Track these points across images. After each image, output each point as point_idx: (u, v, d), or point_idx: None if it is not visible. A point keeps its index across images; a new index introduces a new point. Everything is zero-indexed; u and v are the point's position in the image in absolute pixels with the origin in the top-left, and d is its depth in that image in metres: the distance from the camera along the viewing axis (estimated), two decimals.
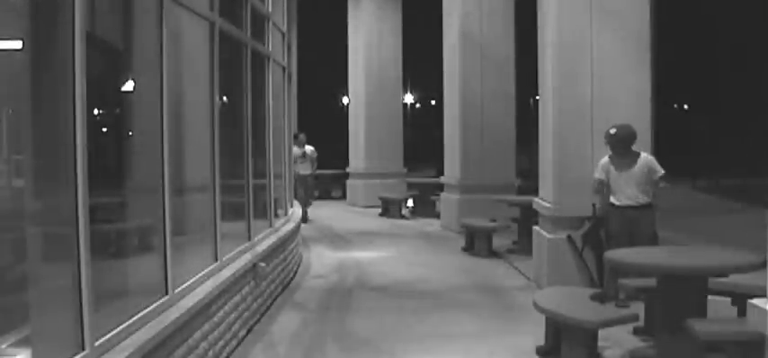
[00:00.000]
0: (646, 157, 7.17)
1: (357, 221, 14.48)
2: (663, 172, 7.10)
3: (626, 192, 7.08)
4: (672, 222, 8.38)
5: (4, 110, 5.05)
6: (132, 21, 5.16)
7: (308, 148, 14.42)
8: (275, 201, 8.59)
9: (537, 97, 8.96)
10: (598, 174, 7.24)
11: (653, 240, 6.99)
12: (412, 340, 6.27)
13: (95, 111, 4.26)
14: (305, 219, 13.35)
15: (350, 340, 6.35)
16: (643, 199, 7.06)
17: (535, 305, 5.62)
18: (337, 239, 12.18)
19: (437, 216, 14.51)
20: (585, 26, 7.67)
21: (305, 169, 14.22)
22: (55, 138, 3.73)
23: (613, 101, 7.68)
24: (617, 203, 7.11)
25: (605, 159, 7.20)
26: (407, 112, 29.62)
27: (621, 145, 7.09)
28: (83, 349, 3.55)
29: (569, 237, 7.69)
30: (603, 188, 7.22)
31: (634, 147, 7.14)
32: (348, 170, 18.62)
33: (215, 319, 5.36)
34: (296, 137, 13.73)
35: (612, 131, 7.13)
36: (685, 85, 33.31)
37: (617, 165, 7.11)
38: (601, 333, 5.48)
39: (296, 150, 13.50)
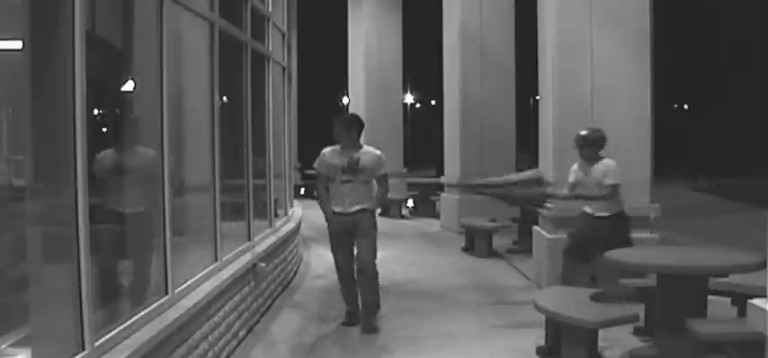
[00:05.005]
0: (606, 163, 6.80)
1: None
2: (614, 182, 6.69)
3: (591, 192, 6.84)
4: (672, 222, 8.37)
5: (4, 110, 5.05)
6: (132, 21, 5.17)
7: (368, 154, 6.53)
8: (275, 201, 8.59)
9: (537, 97, 8.96)
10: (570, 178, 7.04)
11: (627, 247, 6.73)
12: (412, 340, 6.26)
13: (95, 111, 4.27)
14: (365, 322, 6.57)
15: (350, 340, 6.35)
16: (606, 207, 6.77)
17: (535, 305, 5.61)
18: None
19: (437, 216, 14.51)
20: (585, 26, 7.67)
21: (354, 200, 6.45)
22: (55, 138, 3.73)
23: (613, 101, 7.68)
24: (587, 210, 6.94)
25: (577, 163, 7.00)
26: (407, 112, 29.63)
27: (589, 148, 6.84)
28: (83, 349, 3.55)
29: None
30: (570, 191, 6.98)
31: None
32: None
33: (215, 319, 5.36)
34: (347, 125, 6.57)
35: (583, 133, 6.90)
36: (685, 85, 33.33)
37: (585, 171, 6.88)
38: (601, 333, 5.48)
39: (329, 155, 6.55)
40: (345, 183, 6.43)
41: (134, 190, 4.97)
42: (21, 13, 3.73)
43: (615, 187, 6.72)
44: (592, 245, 6.81)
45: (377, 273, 6.60)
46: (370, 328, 6.47)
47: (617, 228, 6.79)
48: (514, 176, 7.65)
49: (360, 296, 6.63)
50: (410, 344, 6.16)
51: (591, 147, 6.86)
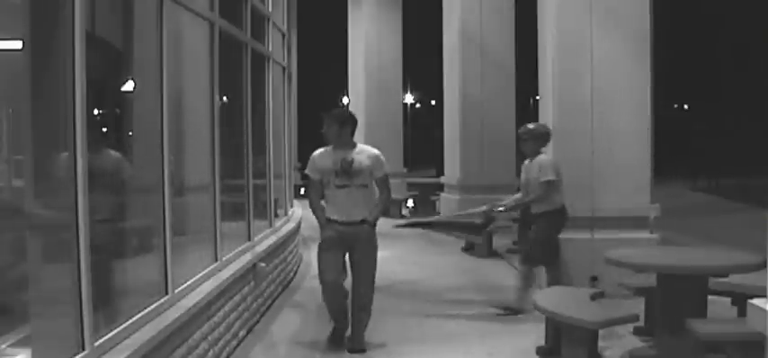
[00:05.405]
0: (539, 159, 6.71)
1: None
2: (546, 179, 6.61)
3: (529, 196, 6.88)
4: (672, 222, 8.37)
5: (4, 110, 5.05)
6: (132, 21, 5.17)
7: (363, 153, 5.82)
8: (275, 201, 8.59)
9: (537, 97, 8.96)
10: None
11: (542, 248, 6.81)
12: (412, 340, 6.26)
13: (95, 111, 4.26)
14: None
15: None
16: (541, 204, 6.75)
17: (535, 305, 5.61)
18: None
19: (437, 216, 14.50)
20: (585, 26, 7.67)
21: (351, 209, 5.81)
22: (55, 138, 3.73)
23: (613, 101, 7.67)
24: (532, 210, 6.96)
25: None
26: (407, 112, 29.64)
27: (534, 142, 6.79)
28: (83, 349, 3.55)
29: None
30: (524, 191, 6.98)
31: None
32: None
33: (215, 319, 5.36)
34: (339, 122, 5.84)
35: (530, 127, 6.91)
36: (685, 85, 33.34)
37: (525, 167, 6.89)
38: (601, 333, 5.48)
39: (320, 157, 5.86)
40: (340, 188, 5.68)
41: (99, 197, 4.22)
42: (21, 13, 3.73)
43: (549, 183, 6.64)
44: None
45: (371, 300, 5.88)
46: (360, 348, 5.79)
47: (547, 226, 6.79)
48: (463, 214, 7.77)
49: (350, 317, 5.88)
50: (410, 343, 6.16)
51: (535, 141, 6.81)
